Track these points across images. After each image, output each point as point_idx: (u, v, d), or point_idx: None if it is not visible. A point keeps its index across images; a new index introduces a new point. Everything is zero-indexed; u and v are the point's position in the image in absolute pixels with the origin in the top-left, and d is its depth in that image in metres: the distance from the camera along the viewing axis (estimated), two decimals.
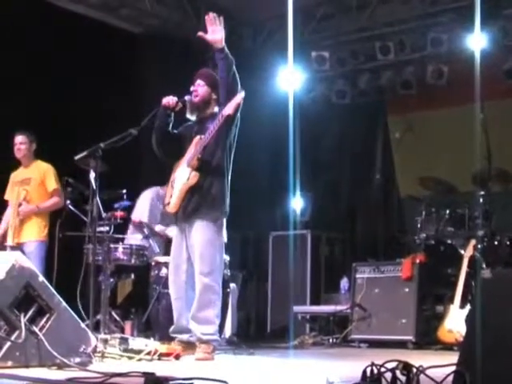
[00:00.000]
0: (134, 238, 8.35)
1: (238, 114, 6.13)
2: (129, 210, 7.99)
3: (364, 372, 3.25)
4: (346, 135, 11.40)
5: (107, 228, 7.55)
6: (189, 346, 6.06)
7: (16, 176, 7.86)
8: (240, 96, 5.92)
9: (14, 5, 8.83)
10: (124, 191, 7.89)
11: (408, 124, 10.59)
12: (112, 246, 7.81)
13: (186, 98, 6.24)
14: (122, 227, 8.16)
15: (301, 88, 10.83)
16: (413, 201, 9.44)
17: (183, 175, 6.15)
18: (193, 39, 10.50)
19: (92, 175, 6.43)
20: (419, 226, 8.76)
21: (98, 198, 6.27)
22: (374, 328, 8.31)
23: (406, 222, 10.44)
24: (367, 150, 11.29)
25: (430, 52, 9.95)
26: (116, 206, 7.82)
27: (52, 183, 7.72)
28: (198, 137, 6.14)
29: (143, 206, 8.38)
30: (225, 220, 6.19)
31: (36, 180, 7.70)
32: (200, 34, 6.12)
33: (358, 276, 8.65)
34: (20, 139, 7.77)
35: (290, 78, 10.52)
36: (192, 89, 6.26)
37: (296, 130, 9.79)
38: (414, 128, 10.52)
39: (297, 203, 10.92)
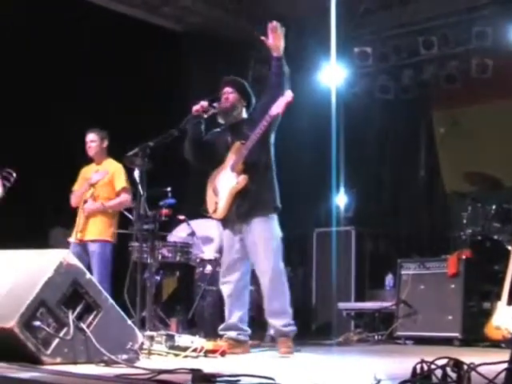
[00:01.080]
0: (178, 235, 8.38)
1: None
2: (173, 207, 8.00)
3: (414, 369, 3.22)
4: (389, 131, 11.31)
5: (152, 226, 7.56)
6: (237, 344, 6.17)
7: (86, 172, 7.70)
8: (290, 95, 5.98)
9: (54, 5, 8.93)
10: (169, 189, 7.92)
11: (453, 119, 10.50)
12: (157, 243, 7.84)
13: (214, 104, 6.34)
14: (167, 225, 8.19)
15: (343, 84, 10.78)
16: (458, 196, 9.34)
17: (229, 180, 6.23)
18: (234, 37, 10.66)
19: (137, 173, 6.47)
20: (465, 221, 8.66)
21: (144, 196, 6.29)
22: (420, 325, 8.22)
23: (452, 217, 10.30)
24: (411, 145, 11.20)
25: (475, 45, 9.83)
26: (161, 203, 7.84)
27: (120, 182, 7.54)
28: (237, 143, 6.23)
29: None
30: (276, 215, 6.27)
31: (103, 178, 7.50)
32: (262, 38, 6.27)
33: (403, 272, 8.57)
34: (91, 137, 7.64)
35: (332, 74, 10.48)
36: (222, 96, 6.38)
37: (339, 125, 9.79)
38: (458, 122, 10.42)
39: (341, 199, 10.89)
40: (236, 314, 6.23)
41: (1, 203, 7.80)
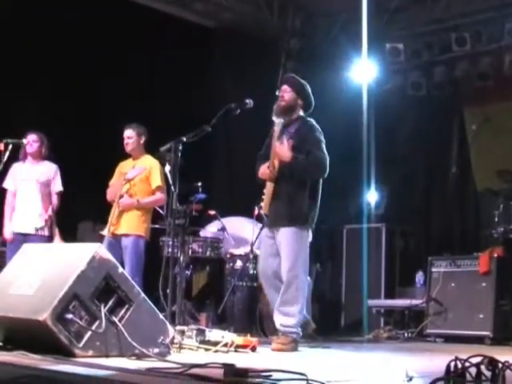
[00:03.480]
0: (209, 230, 8.40)
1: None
2: (204, 202, 8.02)
3: (448, 366, 3.19)
4: (421, 127, 11.22)
5: (183, 220, 7.57)
6: None
7: (123, 166, 7.62)
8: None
9: (89, 1, 9.00)
10: (199, 184, 7.93)
11: (485, 116, 10.40)
12: (187, 238, 7.87)
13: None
14: (197, 220, 8.21)
15: (375, 80, 10.73)
16: (490, 194, 9.26)
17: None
18: (265, 33, 10.66)
19: (168, 168, 6.48)
20: (496, 219, 8.58)
21: (175, 191, 6.29)
22: (450, 323, 8.18)
23: (483, 215, 10.24)
24: (443, 142, 11.11)
25: (508, 42, 9.76)
26: (191, 198, 7.85)
27: (156, 180, 7.41)
28: (277, 142, 6.22)
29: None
30: (310, 230, 6.32)
31: (140, 174, 7.40)
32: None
33: (433, 270, 8.53)
34: (128, 133, 7.53)
35: (364, 70, 10.45)
36: (278, 93, 6.37)
37: (370, 122, 9.75)
38: (490, 119, 10.33)
39: (371, 196, 10.87)
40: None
41: None
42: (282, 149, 6.12)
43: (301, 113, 6.40)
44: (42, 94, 8.90)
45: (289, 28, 10.85)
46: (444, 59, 10.51)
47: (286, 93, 6.34)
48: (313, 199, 6.28)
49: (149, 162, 7.50)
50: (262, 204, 6.37)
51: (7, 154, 7.11)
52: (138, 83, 9.38)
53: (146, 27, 9.54)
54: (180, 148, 6.17)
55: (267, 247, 6.35)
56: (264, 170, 6.27)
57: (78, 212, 8.46)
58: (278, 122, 6.37)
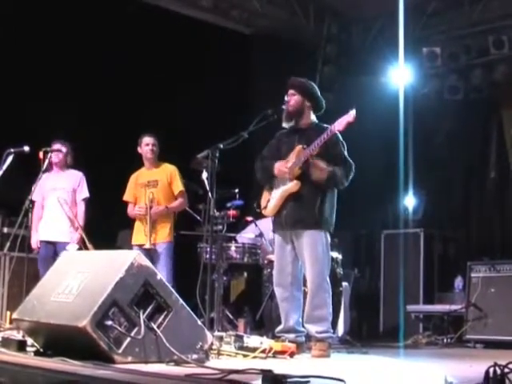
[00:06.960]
0: (246, 236, 8.41)
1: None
2: (241, 208, 8.04)
3: (487, 372, 3.17)
4: (459, 132, 11.15)
5: (220, 227, 7.61)
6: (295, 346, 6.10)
7: (139, 178, 7.80)
8: (352, 115, 5.85)
9: (127, 10, 9.07)
10: (236, 190, 7.95)
11: None
12: (225, 244, 7.89)
13: (284, 106, 6.28)
14: (234, 226, 8.23)
15: (412, 84, 10.69)
16: None
17: (283, 182, 6.21)
18: (302, 39, 10.67)
19: (205, 175, 6.51)
20: None
21: (213, 198, 6.32)
22: (491, 328, 8.12)
23: None
24: (481, 146, 11.04)
25: None
26: (228, 205, 7.89)
27: (178, 185, 7.66)
28: (299, 146, 6.15)
29: None
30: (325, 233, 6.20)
31: (163, 182, 7.63)
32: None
33: (473, 275, 8.48)
34: (152, 141, 7.70)
35: (401, 75, 10.42)
36: (285, 99, 6.29)
37: (408, 126, 9.70)
38: None
39: (409, 201, 10.82)
40: (293, 317, 6.22)
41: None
42: (318, 165, 6.04)
43: (312, 116, 6.33)
44: (80, 103, 8.99)
45: (325, 33, 10.85)
46: (482, 62, 10.44)
47: (291, 97, 6.27)
48: (331, 202, 6.22)
49: (169, 168, 7.72)
50: (267, 207, 6.32)
51: (46, 162, 7.18)
52: (176, 90, 9.43)
53: (182, 35, 9.59)
54: (217, 155, 6.20)
55: (285, 254, 6.23)
56: (281, 168, 6.17)
57: (118, 220, 8.52)
58: (287, 126, 6.35)
